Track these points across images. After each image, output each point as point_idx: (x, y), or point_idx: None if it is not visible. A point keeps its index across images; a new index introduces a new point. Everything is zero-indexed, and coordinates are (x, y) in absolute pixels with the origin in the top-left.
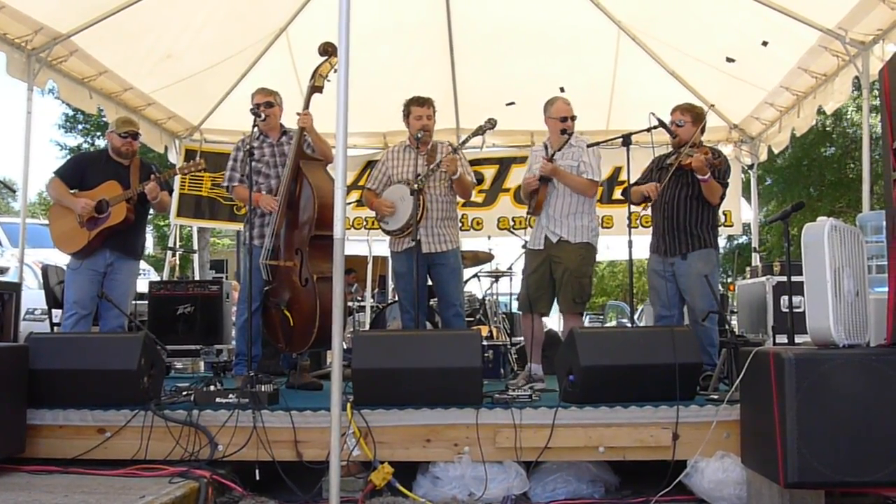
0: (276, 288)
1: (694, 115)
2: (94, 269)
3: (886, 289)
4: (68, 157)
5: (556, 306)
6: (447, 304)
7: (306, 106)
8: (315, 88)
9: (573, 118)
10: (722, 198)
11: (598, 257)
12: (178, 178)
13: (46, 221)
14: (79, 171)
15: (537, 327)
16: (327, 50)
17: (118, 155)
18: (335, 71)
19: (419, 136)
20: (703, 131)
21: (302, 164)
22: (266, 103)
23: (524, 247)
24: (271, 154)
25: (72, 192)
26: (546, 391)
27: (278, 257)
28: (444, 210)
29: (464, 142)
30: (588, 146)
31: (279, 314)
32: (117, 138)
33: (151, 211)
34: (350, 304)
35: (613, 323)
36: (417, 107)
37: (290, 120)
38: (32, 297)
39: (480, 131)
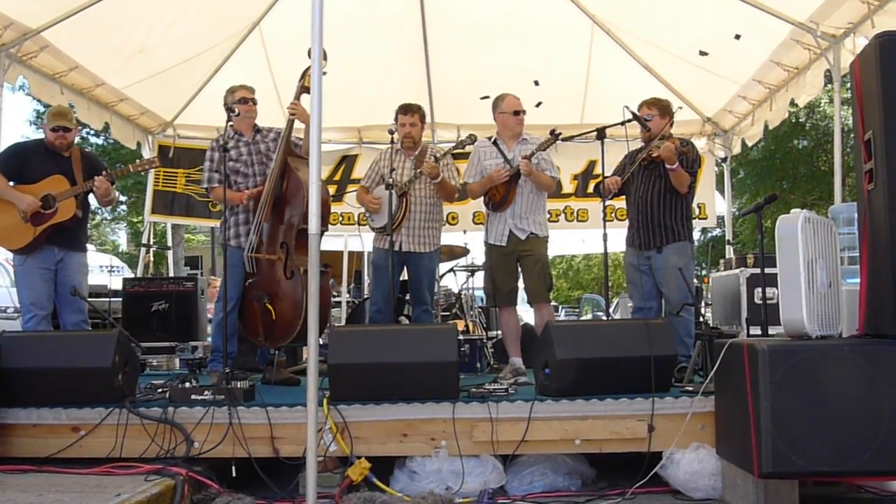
0: (258, 281)
1: (660, 107)
2: (44, 266)
3: (858, 280)
4: (7, 146)
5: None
6: (418, 301)
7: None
8: (304, 89)
9: (524, 111)
10: (691, 187)
11: (574, 250)
12: (151, 175)
13: None
14: (18, 163)
15: (515, 320)
16: (311, 48)
17: (54, 148)
18: (324, 73)
19: (399, 140)
20: (671, 124)
21: (290, 161)
22: (253, 100)
23: None
24: (248, 153)
25: (10, 184)
26: (524, 385)
27: (262, 251)
28: (428, 212)
29: (445, 153)
30: (563, 139)
31: (261, 307)
32: (49, 133)
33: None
34: None
35: (589, 316)
36: (402, 114)
37: (263, 116)
38: (3, 295)
39: (461, 145)
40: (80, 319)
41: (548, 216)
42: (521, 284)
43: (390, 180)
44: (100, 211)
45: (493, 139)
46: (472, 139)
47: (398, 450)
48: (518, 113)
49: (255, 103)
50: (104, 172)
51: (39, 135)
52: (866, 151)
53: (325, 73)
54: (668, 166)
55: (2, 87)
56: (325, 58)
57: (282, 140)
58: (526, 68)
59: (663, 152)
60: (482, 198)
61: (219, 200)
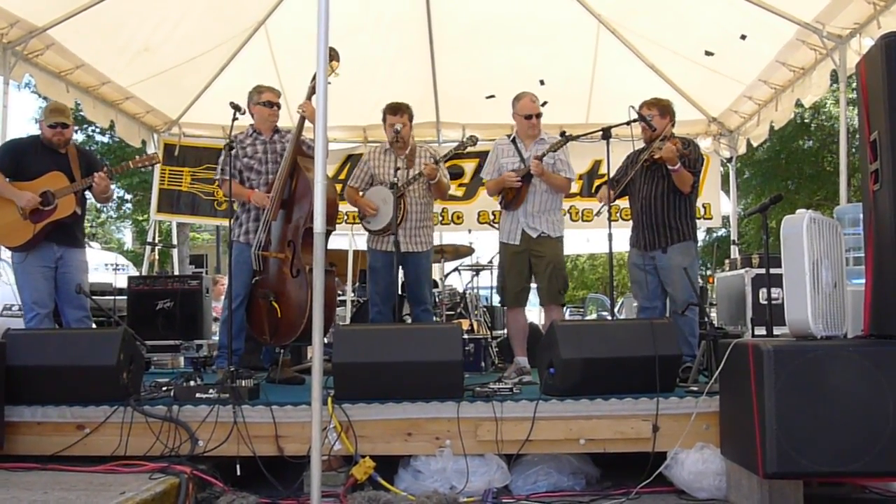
0: (265, 279)
1: (660, 108)
2: (44, 264)
3: (863, 280)
4: (2, 143)
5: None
6: (417, 300)
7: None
8: (315, 90)
9: (538, 115)
10: (694, 186)
11: (579, 250)
12: (157, 173)
13: None
14: (14, 160)
15: (523, 320)
16: (329, 54)
17: (51, 145)
18: (336, 74)
19: (393, 141)
20: (672, 124)
21: (299, 160)
22: (278, 104)
23: None
24: (264, 151)
25: (6, 181)
26: (528, 384)
27: (269, 249)
28: (422, 212)
29: (445, 156)
30: (568, 139)
31: (266, 305)
32: (47, 129)
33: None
34: None
35: (594, 316)
36: (391, 115)
37: None
38: (8, 293)
39: (462, 147)
40: (83, 315)
41: None
42: (534, 285)
43: (395, 179)
44: (105, 209)
45: (511, 137)
46: (473, 141)
47: (403, 449)
48: (530, 118)
49: (279, 107)
50: (104, 169)
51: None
52: (872, 152)
53: (337, 75)
54: (669, 167)
55: (8, 85)
56: (337, 59)
57: (292, 140)
58: (531, 67)
59: (665, 153)
60: (495, 196)
61: (227, 194)
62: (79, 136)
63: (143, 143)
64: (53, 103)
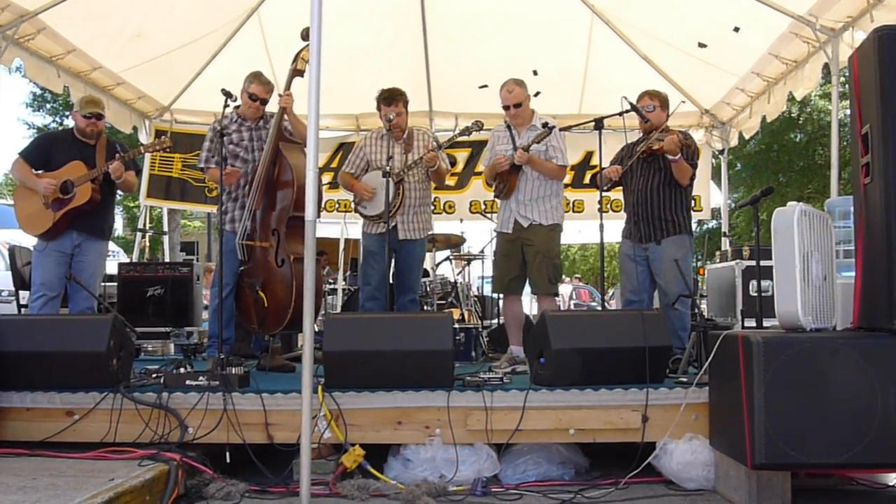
0: (251, 268)
1: (661, 100)
2: (60, 250)
3: (853, 273)
4: (35, 136)
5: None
6: (406, 289)
7: (287, 88)
8: (297, 72)
9: (517, 105)
10: (692, 179)
11: (570, 241)
12: (147, 159)
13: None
14: (44, 152)
15: (518, 309)
16: (310, 35)
17: (83, 135)
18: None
19: (388, 129)
20: (667, 116)
21: (282, 146)
22: (263, 100)
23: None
24: (249, 138)
25: (36, 172)
26: (521, 374)
27: (254, 238)
28: (420, 197)
29: (449, 140)
30: (560, 130)
31: (253, 294)
32: (81, 119)
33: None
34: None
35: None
36: (385, 105)
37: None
38: None
39: (466, 132)
40: (87, 307)
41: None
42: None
43: (387, 168)
44: None
45: (507, 123)
46: (478, 126)
47: (392, 437)
48: (507, 108)
49: (264, 104)
50: (117, 155)
51: (35, 116)
52: (863, 145)
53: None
54: (670, 158)
55: None
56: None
57: (273, 126)
58: (525, 58)
59: (666, 144)
60: (491, 186)
61: (212, 180)
62: (69, 121)
63: (135, 129)
64: (89, 95)
